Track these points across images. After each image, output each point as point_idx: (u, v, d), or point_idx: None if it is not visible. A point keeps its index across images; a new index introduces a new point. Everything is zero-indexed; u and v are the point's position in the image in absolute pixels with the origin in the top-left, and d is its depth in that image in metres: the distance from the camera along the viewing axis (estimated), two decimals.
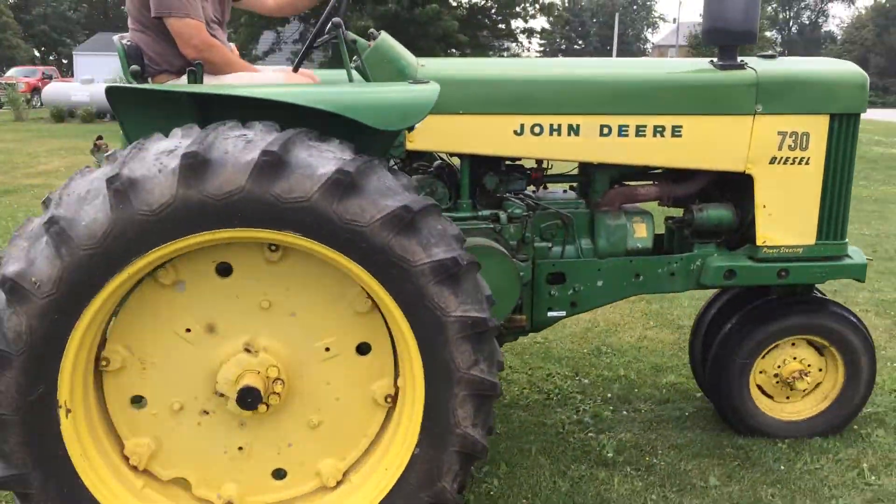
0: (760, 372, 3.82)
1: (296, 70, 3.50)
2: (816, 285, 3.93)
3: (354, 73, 3.21)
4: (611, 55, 61.22)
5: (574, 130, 3.45)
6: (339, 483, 2.72)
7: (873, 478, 3.46)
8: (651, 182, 3.84)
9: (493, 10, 29.55)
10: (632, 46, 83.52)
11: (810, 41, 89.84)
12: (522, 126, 3.41)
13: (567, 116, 3.44)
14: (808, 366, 3.81)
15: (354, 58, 3.25)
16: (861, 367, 3.82)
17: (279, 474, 2.74)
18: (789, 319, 3.78)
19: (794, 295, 3.88)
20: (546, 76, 3.61)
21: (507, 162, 3.72)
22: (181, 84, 3.00)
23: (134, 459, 2.65)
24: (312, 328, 2.65)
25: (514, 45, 34.31)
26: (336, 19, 3.07)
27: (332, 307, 2.64)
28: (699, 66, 3.71)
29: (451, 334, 2.45)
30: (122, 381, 2.63)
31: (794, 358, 3.80)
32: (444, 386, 2.50)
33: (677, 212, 3.90)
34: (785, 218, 3.66)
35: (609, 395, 4.35)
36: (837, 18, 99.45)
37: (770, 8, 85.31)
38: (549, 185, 3.89)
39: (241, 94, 2.56)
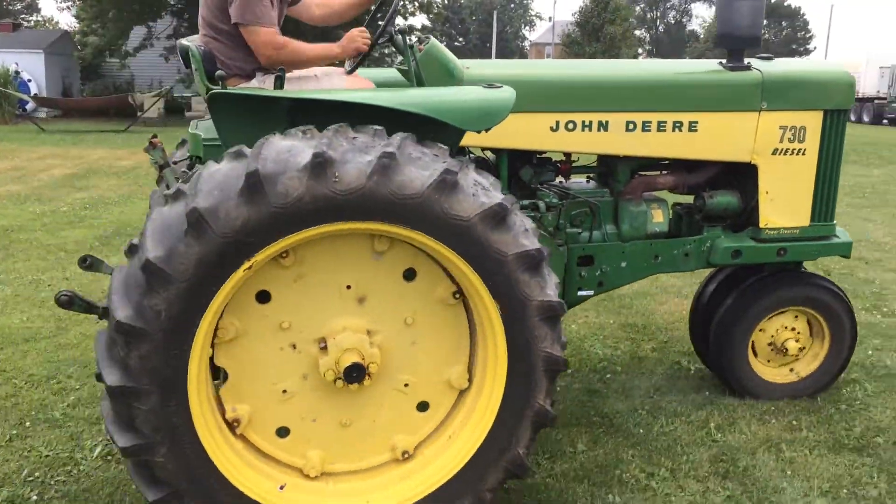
0: (758, 340, 4.28)
1: (350, 73, 3.60)
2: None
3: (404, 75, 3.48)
4: (490, 53, 62.43)
5: (603, 126, 3.81)
6: (410, 456, 2.97)
7: (719, 435, 3.89)
8: (667, 172, 4.24)
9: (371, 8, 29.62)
10: (511, 44, 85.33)
11: (676, 39, 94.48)
12: (558, 123, 3.75)
13: (598, 114, 3.79)
14: (799, 333, 4.30)
15: (401, 60, 3.48)
16: (844, 332, 4.32)
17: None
18: (783, 292, 4.24)
19: (785, 271, 4.32)
20: (579, 77, 3.93)
21: (538, 155, 4.02)
22: (293, 90, 3.16)
23: (236, 424, 2.82)
24: (403, 317, 2.87)
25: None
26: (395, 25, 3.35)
27: (422, 299, 2.87)
28: (712, 68, 4.10)
29: (532, 317, 2.73)
30: (231, 352, 2.79)
31: (787, 327, 4.28)
32: (524, 364, 2.79)
33: (680, 198, 4.34)
34: (784, 203, 4.12)
35: None
36: (700, 18, 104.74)
37: (638, 8, 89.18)
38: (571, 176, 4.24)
39: (353, 101, 2.81)
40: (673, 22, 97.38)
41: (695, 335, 4.69)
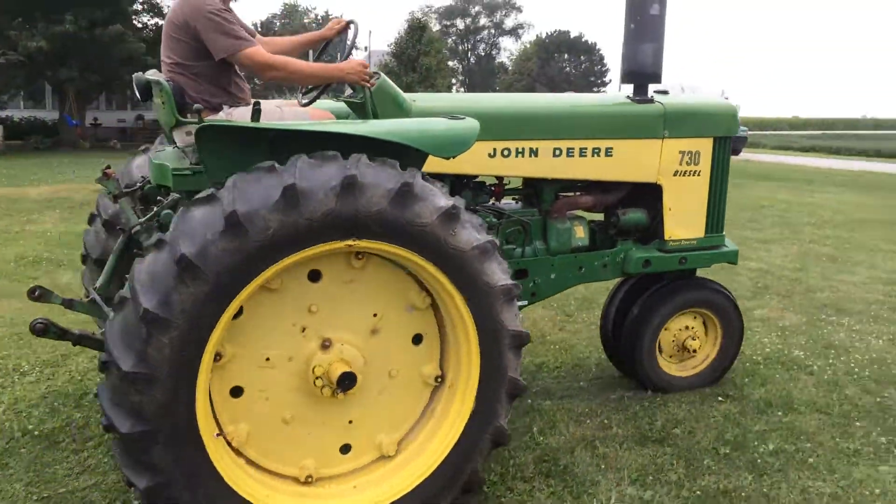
0: (663, 339, 4.80)
1: (305, 106, 3.78)
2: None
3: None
4: None
5: (534, 153, 4.25)
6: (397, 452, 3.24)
7: (542, 438, 4.16)
8: (587, 193, 4.70)
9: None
10: None
11: (486, 71, 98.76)
12: (495, 150, 4.13)
13: (529, 142, 4.22)
14: (696, 331, 4.87)
15: (360, 95, 3.72)
16: (734, 328, 4.93)
17: (345, 449, 3.21)
18: (684, 296, 4.79)
19: (683, 278, 4.85)
20: (513, 110, 4.27)
21: (474, 180, 4.38)
22: (288, 122, 3.37)
23: (234, 442, 2.99)
24: (384, 325, 3.15)
25: None
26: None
27: (396, 305, 3.16)
28: (622, 101, 4.61)
29: (497, 301, 3.07)
30: (225, 374, 2.96)
31: (687, 326, 4.85)
32: (496, 343, 3.12)
33: (592, 216, 4.82)
34: (684, 217, 4.73)
35: None
36: (507, 51, 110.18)
37: (450, 40, 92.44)
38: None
39: (345, 132, 3.03)
40: (483, 54, 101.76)
41: (605, 340, 5.15)
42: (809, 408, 4.63)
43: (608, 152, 4.43)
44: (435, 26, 77.68)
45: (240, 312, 2.88)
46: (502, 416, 3.23)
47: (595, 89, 74.98)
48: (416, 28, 26.95)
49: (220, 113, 3.47)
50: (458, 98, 4.82)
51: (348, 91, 3.94)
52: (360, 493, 3.15)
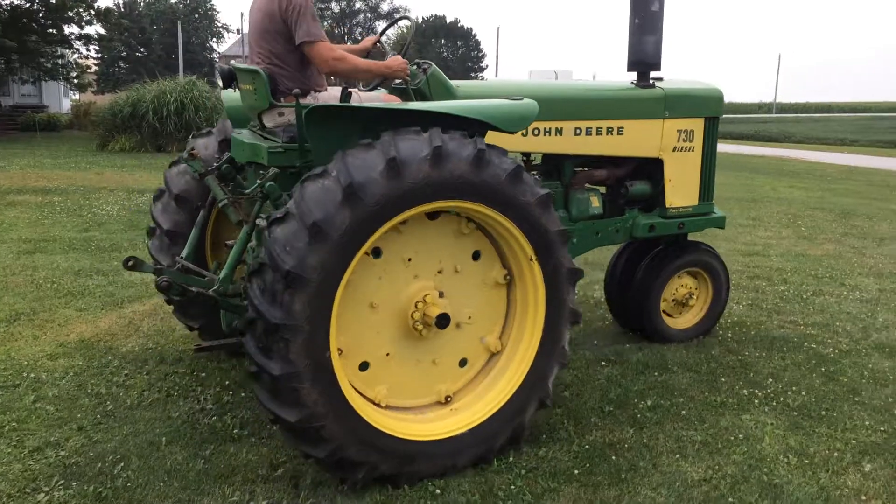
0: (664, 298, 5.49)
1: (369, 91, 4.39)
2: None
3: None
4: (176, 63, 59.76)
5: (559, 132, 4.83)
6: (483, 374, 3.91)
7: None
8: (601, 167, 5.29)
9: (41, 15, 27.04)
10: (199, 55, 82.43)
11: (363, 55, 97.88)
12: (526, 129, 4.56)
13: (555, 122, 4.78)
14: (692, 288, 5.58)
15: (417, 81, 4.35)
16: (721, 286, 5.69)
17: (463, 362, 3.90)
18: (681, 258, 5.51)
19: (678, 242, 5.56)
20: (543, 94, 4.43)
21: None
22: (395, 102, 4.05)
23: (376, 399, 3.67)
24: (469, 286, 3.80)
25: (69, 51, 31.81)
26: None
27: (480, 276, 3.83)
28: (630, 87, 5.21)
29: (556, 242, 3.69)
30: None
31: (684, 284, 5.56)
32: (556, 278, 3.74)
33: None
34: (681, 187, 5.41)
35: (227, 382, 4.74)
36: (385, 36, 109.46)
37: (326, 24, 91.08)
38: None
39: (437, 110, 3.54)
40: (359, 38, 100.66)
41: (611, 301, 5.84)
42: (682, 367, 5.11)
43: (620, 131, 5.08)
44: None
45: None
46: (566, 339, 3.87)
47: (473, 75, 75.97)
48: None
49: (308, 97, 3.91)
50: (493, 84, 5.24)
51: (396, 80, 4.51)
52: (460, 413, 3.78)
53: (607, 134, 5.03)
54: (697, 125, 5.39)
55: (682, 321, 5.68)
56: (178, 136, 20.32)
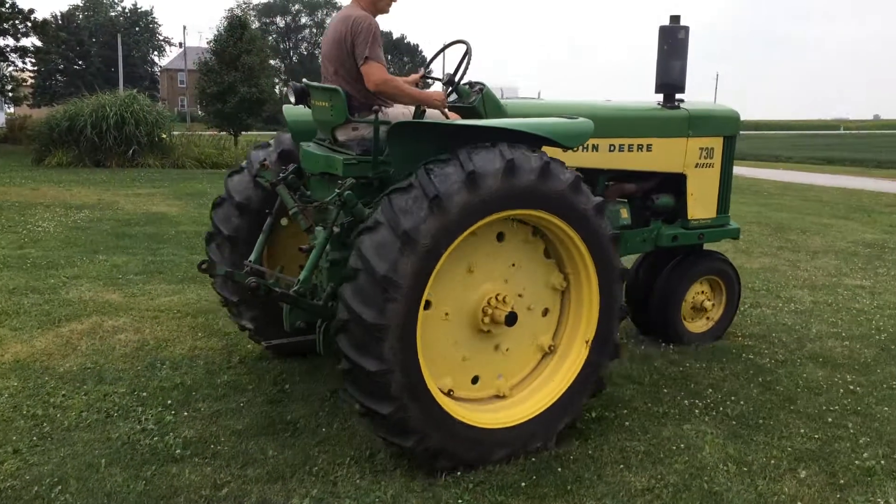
0: (684, 303, 5.89)
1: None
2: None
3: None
4: (117, 78, 58.60)
5: (595, 148, 5.18)
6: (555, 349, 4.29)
7: None
8: (630, 181, 5.63)
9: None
10: (139, 69, 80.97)
11: (310, 70, 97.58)
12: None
13: (592, 139, 4.94)
14: (708, 294, 6.03)
15: (472, 100, 4.68)
16: (734, 292, 6.13)
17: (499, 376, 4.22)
18: (700, 267, 5.95)
19: (695, 252, 5.98)
20: (582, 113, 4.52)
21: None
22: (461, 120, 4.27)
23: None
24: (531, 290, 4.16)
25: (4, 64, 30.97)
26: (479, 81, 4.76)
27: (542, 280, 4.19)
28: (658, 107, 5.66)
29: (610, 245, 4.06)
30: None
31: (701, 292, 6.01)
32: (609, 279, 4.11)
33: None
34: (702, 201, 5.85)
35: (169, 401, 4.65)
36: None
37: (271, 38, 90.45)
38: None
39: (509, 127, 3.82)
40: (305, 53, 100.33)
41: (632, 306, 5.92)
42: (625, 379, 5.20)
43: (649, 148, 5.49)
44: (254, 24, 75.85)
45: None
46: (615, 333, 4.24)
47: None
48: (237, 26, 26.22)
49: (379, 113, 4.14)
50: (536, 103, 5.50)
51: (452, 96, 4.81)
52: (518, 406, 4.12)
53: (638, 151, 5.45)
54: (717, 143, 5.87)
55: (698, 325, 6.11)
56: (118, 151, 19.91)
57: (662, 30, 5.64)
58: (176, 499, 3.55)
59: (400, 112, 4.45)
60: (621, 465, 3.97)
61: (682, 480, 3.83)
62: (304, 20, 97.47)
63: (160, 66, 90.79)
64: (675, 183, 5.78)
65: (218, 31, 27.04)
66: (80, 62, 73.88)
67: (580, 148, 4.94)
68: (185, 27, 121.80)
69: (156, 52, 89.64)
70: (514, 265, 4.11)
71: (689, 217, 5.84)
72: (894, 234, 12.54)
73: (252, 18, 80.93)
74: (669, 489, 3.74)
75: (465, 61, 4.63)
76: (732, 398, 4.90)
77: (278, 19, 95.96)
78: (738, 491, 3.74)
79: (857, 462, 4.05)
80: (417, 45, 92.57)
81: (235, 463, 3.90)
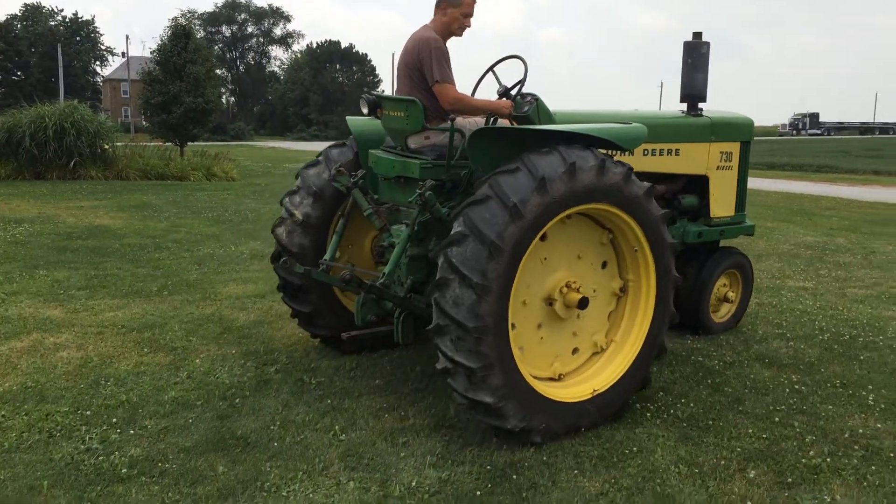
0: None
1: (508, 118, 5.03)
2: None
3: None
4: (57, 87, 57.16)
5: (630, 152, 5.30)
6: (608, 345, 4.74)
7: (344, 435, 4.36)
8: (660, 182, 5.97)
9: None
10: (81, 79, 79.18)
11: (257, 80, 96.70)
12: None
13: None
14: (731, 286, 6.57)
15: (526, 109, 4.96)
16: (750, 284, 6.72)
17: (575, 351, 4.69)
18: (724, 262, 6.46)
19: (717, 248, 6.54)
20: (620, 120, 4.84)
21: None
22: (543, 125, 4.78)
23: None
24: (594, 276, 4.63)
25: None
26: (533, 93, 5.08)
27: (591, 242, 4.60)
28: (683, 115, 6.20)
29: (661, 224, 4.51)
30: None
31: (724, 284, 6.54)
32: (662, 253, 4.58)
33: None
34: (723, 200, 6.40)
35: (114, 419, 4.51)
36: (278, 60, 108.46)
37: (217, 48, 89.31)
38: None
39: (574, 132, 4.29)
40: (253, 63, 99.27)
41: None
42: None
43: (677, 153, 5.98)
44: (199, 33, 74.83)
45: None
46: (671, 303, 4.70)
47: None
48: (181, 35, 25.79)
49: (455, 122, 4.59)
50: (580, 112, 5.70)
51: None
52: (591, 380, 4.57)
53: (668, 155, 5.95)
54: (735, 148, 6.44)
55: (720, 315, 6.60)
56: (59, 163, 19.39)
57: (687, 45, 6.13)
58: None
59: (473, 122, 4.92)
60: (576, 471, 3.98)
61: (636, 483, 3.86)
62: (250, 29, 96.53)
63: (103, 77, 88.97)
64: (698, 184, 6.28)
65: (162, 40, 26.53)
66: (18, 73, 71.94)
67: (615, 153, 5.16)
68: (127, 36, 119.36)
69: (98, 62, 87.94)
70: (587, 261, 4.62)
71: (711, 215, 6.35)
72: (834, 236, 12.92)
73: (197, 28, 79.83)
74: (623, 492, 3.77)
75: (524, 75, 5.02)
76: (682, 400, 4.97)
77: (224, 28, 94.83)
78: (690, 492, 3.78)
79: (803, 461, 4.13)
80: (366, 54, 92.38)
81: (184, 481, 3.81)
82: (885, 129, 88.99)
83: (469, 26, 5.07)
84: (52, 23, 79.82)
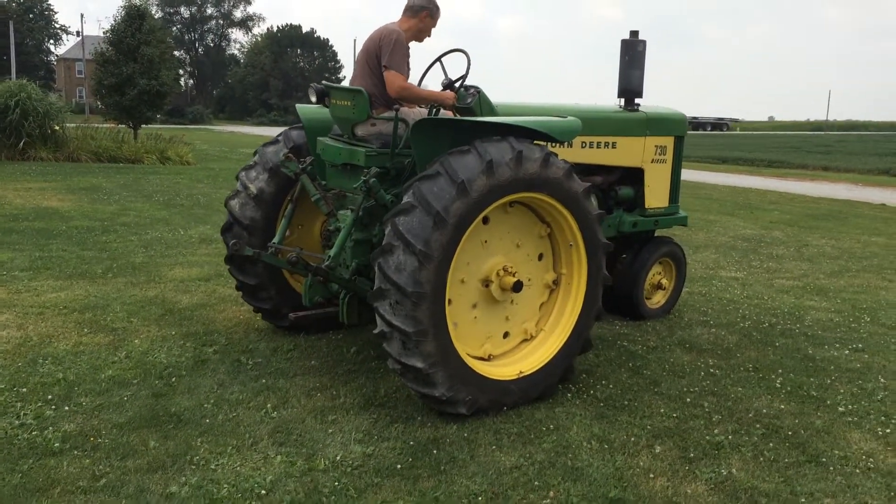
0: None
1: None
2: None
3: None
4: (9, 65, 55.73)
5: (569, 144, 5.74)
6: (537, 333, 5.01)
7: (275, 413, 4.52)
8: (597, 174, 6.33)
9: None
10: (34, 58, 77.24)
11: (217, 63, 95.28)
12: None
13: None
14: (665, 274, 6.90)
15: (469, 101, 5.18)
16: (683, 272, 7.05)
17: (506, 335, 4.94)
18: (658, 251, 6.77)
19: (651, 238, 6.83)
20: (561, 114, 5.15)
21: None
22: (485, 117, 4.96)
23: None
24: (529, 266, 4.90)
25: None
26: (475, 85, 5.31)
27: (529, 234, 4.87)
28: (620, 111, 6.47)
29: (595, 222, 4.80)
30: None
31: (658, 272, 6.87)
32: (595, 250, 4.87)
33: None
34: (657, 192, 6.72)
35: (49, 396, 4.62)
36: (238, 43, 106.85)
37: (175, 29, 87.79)
38: None
39: (513, 124, 4.58)
40: (212, 45, 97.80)
41: None
42: None
43: (614, 145, 6.29)
44: (157, 13, 73.49)
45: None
46: (599, 300, 4.98)
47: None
48: (135, 16, 25.41)
49: (400, 111, 4.79)
50: (521, 105, 5.92)
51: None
52: (518, 364, 4.81)
53: (605, 147, 6.25)
54: (669, 142, 6.76)
55: (654, 301, 6.94)
56: (7, 143, 19.05)
57: (624, 43, 6.41)
58: (52, 490, 3.58)
59: (419, 113, 5.10)
60: (494, 446, 4.21)
61: (549, 458, 4.09)
62: (209, 11, 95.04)
63: (57, 56, 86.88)
64: (634, 176, 6.60)
65: (115, 20, 26.13)
66: None
67: (557, 145, 5.44)
68: (82, 15, 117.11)
69: (52, 41, 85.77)
70: (524, 250, 4.87)
71: (646, 206, 6.68)
72: (772, 229, 13.39)
73: (155, 8, 78.38)
74: (536, 466, 4.00)
75: (466, 68, 5.20)
76: (603, 382, 5.23)
77: (183, 9, 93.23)
78: (598, 466, 4.03)
79: (707, 437, 4.41)
80: (328, 39, 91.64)
81: (115, 455, 3.94)
82: (717, 124, 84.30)
83: (430, 36, 5.37)
84: (4, 0, 77.64)
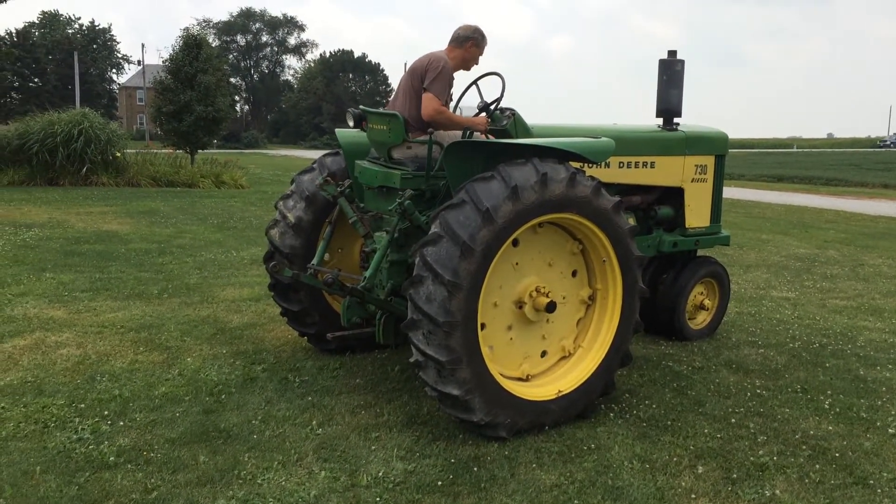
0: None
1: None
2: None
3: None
4: (73, 94, 57.98)
5: (607, 164, 5.79)
6: (575, 350, 5.00)
7: (320, 430, 4.62)
8: (636, 194, 6.34)
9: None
10: (97, 86, 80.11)
11: (271, 89, 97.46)
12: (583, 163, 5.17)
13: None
14: (707, 295, 6.84)
15: (504, 124, 5.35)
16: (726, 293, 6.96)
17: (544, 354, 4.96)
18: (700, 271, 6.71)
19: (695, 257, 6.79)
20: (597, 135, 5.12)
21: None
22: (517, 139, 5.10)
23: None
24: (564, 283, 4.91)
25: None
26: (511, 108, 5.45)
27: (560, 252, 4.87)
28: (659, 130, 6.45)
29: (628, 237, 4.78)
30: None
31: (700, 293, 6.80)
32: (629, 264, 4.85)
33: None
34: (698, 211, 6.65)
35: (106, 412, 4.81)
36: (292, 69, 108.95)
37: (231, 56, 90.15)
38: None
39: (550, 145, 4.65)
40: (267, 72, 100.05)
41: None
42: None
43: (652, 165, 6.26)
44: (214, 42, 75.58)
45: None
46: (636, 313, 4.97)
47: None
48: (192, 45, 26.25)
49: (434, 134, 4.88)
50: (556, 126, 5.98)
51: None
52: (557, 382, 4.82)
53: (643, 167, 6.22)
54: (710, 161, 6.71)
55: (697, 322, 6.85)
56: (71, 169, 19.78)
57: (662, 63, 6.42)
58: (106, 502, 3.73)
59: (452, 135, 5.15)
60: (534, 465, 4.24)
61: (589, 477, 4.10)
62: (264, 38, 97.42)
63: (119, 84, 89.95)
64: (674, 196, 6.55)
65: (173, 49, 27.00)
66: (35, 80, 72.86)
67: (595, 164, 5.47)
68: (143, 45, 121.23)
69: (114, 70, 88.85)
70: (558, 269, 4.91)
71: (686, 226, 6.62)
72: (826, 248, 13.11)
73: (212, 37, 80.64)
74: (576, 485, 4.01)
75: (501, 91, 5.30)
76: (647, 402, 5.20)
77: (239, 37, 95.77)
78: (639, 486, 4.02)
79: (752, 458, 4.37)
80: (378, 63, 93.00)
81: (167, 469, 4.09)
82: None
83: (477, 64, 5.47)
84: (69, 31, 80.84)
